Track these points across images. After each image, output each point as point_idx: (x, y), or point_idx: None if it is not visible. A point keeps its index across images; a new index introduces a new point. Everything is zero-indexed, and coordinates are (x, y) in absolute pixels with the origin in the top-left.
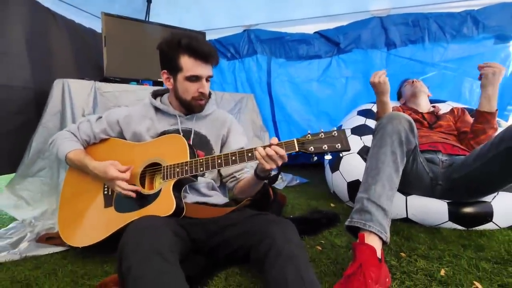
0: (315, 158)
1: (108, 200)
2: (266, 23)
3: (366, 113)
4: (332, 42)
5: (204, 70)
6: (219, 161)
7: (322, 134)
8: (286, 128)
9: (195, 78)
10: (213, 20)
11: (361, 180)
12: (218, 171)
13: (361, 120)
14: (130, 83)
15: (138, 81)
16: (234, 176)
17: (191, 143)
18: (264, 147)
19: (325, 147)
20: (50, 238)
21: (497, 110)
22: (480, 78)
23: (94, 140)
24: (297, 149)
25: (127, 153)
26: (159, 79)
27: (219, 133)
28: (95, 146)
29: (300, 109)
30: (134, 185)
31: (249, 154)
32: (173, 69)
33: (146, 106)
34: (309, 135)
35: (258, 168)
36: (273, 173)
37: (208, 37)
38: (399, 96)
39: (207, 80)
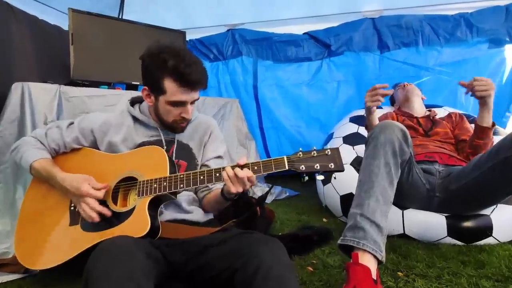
0: (306, 177)
1: (74, 218)
2: (252, 23)
3: (359, 120)
4: (323, 43)
5: (189, 96)
6: (202, 177)
7: (314, 152)
8: (274, 136)
9: (178, 104)
10: (194, 18)
11: (354, 193)
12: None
13: (353, 128)
14: (100, 87)
15: (110, 85)
16: (207, 186)
17: (173, 155)
18: (233, 167)
19: (317, 166)
20: (3, 265)
21: (493, 122)
22: (468, 93)
23: (63, 150)
24: (286, 167)
25: (100, 165)
26: (133, 82)
27: (201, 140)
28: (65, 156)
29: (289, 114)
30: (105, 201)
31: (217, 174)
32: (155, 89)
33: (123, 114)
34: (300, 153)
35: (225, 188)
36: (258, 191)
37: (188, 37)
38: (392, 101)
39: (192, 103)
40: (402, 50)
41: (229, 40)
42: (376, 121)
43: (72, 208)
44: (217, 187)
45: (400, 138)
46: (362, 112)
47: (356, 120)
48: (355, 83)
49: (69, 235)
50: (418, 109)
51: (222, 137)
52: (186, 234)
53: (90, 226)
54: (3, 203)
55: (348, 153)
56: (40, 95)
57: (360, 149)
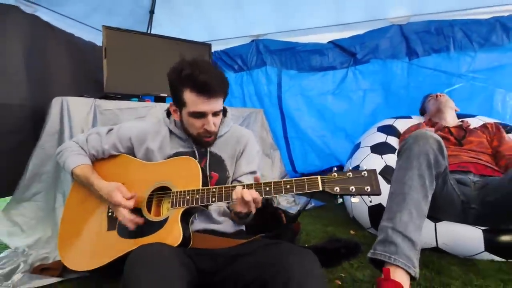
0: (341, 200)
1: (111, 223)
2: (276, 33)
3: (387, 130)
4: (348, 52)
5: (208, 106)
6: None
7: (350, 173)
8: (299, 146)
9: (199, 115)
10: (218, 30)
11: (384, 204)
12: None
13: (381, 137)
14: (131, 100)
15: (139, 97)
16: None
17: (207, 166)
18: (243, 187)
19: (352, 189)
20: (45, 269)
21: None
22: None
23: (102, 156)
24: (321, 188)
25: (136, 173)
26: (161, 94)
27: (234, 152)
28: (103, 162)
29: (314, 124)
30: (140, 209)
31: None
32: (178, 102)
33: (160, 123)
34: (334, 173)
35: (230, 206)
36: (283, 201)
37: (214, 48)
38: (422, 112)
39: (215, 114)
40: (432, 56)
41: (253, 51)
42: None
43: (110, 213)
44: None
45: (435, 149)
46: (390, 121)
47: (384, 129)
48: (382, 92)
49: (106, 240)
50: (450, 121)
51: (258, 149)
52: (215, 245)
53: (126, 233)
54: (45, 210)
55: (377, 162)
56: (77, 108)
57: (389, 158)
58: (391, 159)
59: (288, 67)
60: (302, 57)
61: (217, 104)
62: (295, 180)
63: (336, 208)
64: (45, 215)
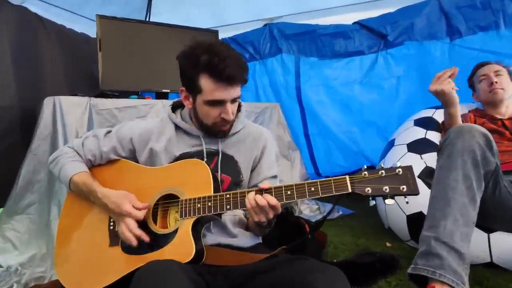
0: (373, 202)
1: (114, 237)
2: (292, 15)
3: (426, 123)
4: (377, 33)
5: (227, 93)
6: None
7: (382, 171)
8: (322, 144)
9: (217, 103)
10: (226, 14)
11: (425, 212)
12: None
13: (419, 133)
14: (130, 97)
15: (139, 94)
16: None
17: (218, 167)
18: (257, 192)
19: (386, 189)
20: None
21: None
22: None
23: (99, 161)
24: (350, 190)
25: (138, 180)
26: (163, 90)
27: (250, 154)
28: (100, 169)
29: (340, 119)
30: (146, 221)
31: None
32: (192, 89)
33: (164, 121)
34: (365, 172)
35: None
36: (305, 209)
37: (221, 35)
38: (470, 84)
39: (233, 101)
40: (478, 35)
41: (266, 37)
42: (459, 117)
43: (112, 227)
44: None
45: (482, 144)
46: (429, 112)
47: (423, 123)
48: (419, 79)
49: (109, 256)
50: (504, 111)
51: (277, 149)
52: (231, 261)
53: (131, 248)
54: (38, 224)
55: (415, 163)
56: (71, 109)
57: (430, 158)
58: (432, 159)
59: (308, 53)
60: (323, 42)
61: (237, 90)
62: (320, 181)
63: (368, 217)
64: (39, 229)
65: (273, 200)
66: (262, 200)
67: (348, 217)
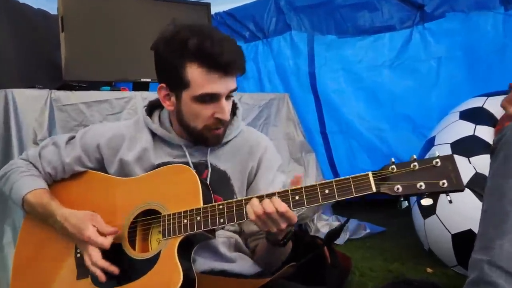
0: (405, 203)
1: (82, 268)
2: None
3: (475, 115)
4: (411, 3)
5: (223, 85)
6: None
7: (415, 163)
8: (343, 144)
9: (209, 98)
10: None
11: (474, 230)
12: (239, 223)
13: (467, 128)
14: (101, 89)
15: (112, 85)
16: (261, 233)
17: (208, 179)
18: (261, 198)
19: (421, 186)
20: None
21: None
22: None
23: (62, 175)
24: (374, 189)
25: (110, 194)
26: (142, 79)
27: (245, 165)
28: (63, 184)
29: (365, 112)
30: (120, 243)
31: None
32: (176, 83)
33: (139, 123)
34: (393, 166)
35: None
36: (323, 226)
37: (214, 9)
38: None
39: (228, 97)
40: None
41: (271, 10)
42: None
43: (79, 255)
44: None
45: None
46: (480, 102)
47: (470, 115)
48: (465, 59)
49: None
50: None
51: (280, 162)
52: None
53: (102, 281)
54: None
55: (461, 169)
56: (27, 105)
57: (481, 162)
58: (483, 163)
59: (324, 30)
60: (343, 15)
61: (233, 82)
62: (336, 181)
63: (403, 236)
64: None
65: (282, 205)
66: (269, 205)
67: (377, 236)
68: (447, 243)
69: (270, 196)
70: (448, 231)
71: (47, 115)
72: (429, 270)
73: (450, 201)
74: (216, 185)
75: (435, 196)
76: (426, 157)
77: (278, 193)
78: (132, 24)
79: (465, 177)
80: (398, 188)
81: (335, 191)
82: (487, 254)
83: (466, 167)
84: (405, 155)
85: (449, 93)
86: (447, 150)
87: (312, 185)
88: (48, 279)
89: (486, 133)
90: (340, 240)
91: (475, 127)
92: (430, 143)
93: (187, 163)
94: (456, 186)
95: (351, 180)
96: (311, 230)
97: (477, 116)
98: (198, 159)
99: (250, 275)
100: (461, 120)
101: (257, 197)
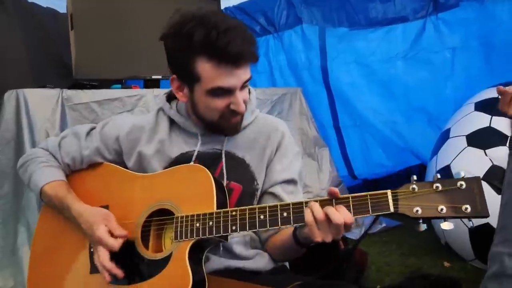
0: (424, 226)
1: (95, 264)
2: None
3: (491, 107)
4: None
5: (235, 78)
6: (262, 216)
7: (437, 185)
8: (358, 138)
9: (222, 92)
10: None
11: (492, 224)
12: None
13: (483, 120)
14: (111, 87)
15: (123, 83)
16: None
17: (223, 174)
18: (322, 203)
19: (442, 210)
20: None
21: None
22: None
23: (80, 166)
24: (391, 210)
25: (125, 190)
26: (153, 77)
27: (263, 152)
28: (80, 175)
29: (379, 105)
30: (133, 242)
31: (284, 215)
32: (187, 77)
33: (158, 115)
34: (414, 186)
35: (303, 232)
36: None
37: (224, 4)
38: None
39: (243, 87)
40: None
41: (281, 3)
42: None
43: (92, 250)
44: None
45: None
46: (494, 92)
47: (486, 106)
48: (481, 50)
49: (90, 285)
50: None
51: (297, 150)
52: None
53: (115, 277)
54: (2, 250)
55: (478, 161)
56: (38, 104)
57: (497, 154)
58: (500, 155)
59: (335, 23)
60: (354, 7)
61: (245, 72)
62: (352, 197)
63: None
64: (3, 256)
65: (350, 217)
66: (338, 216)
67: (394, 230)
68: (464, 237)
69: (331, 201)
70: (465, 225)
71: (58, 115)
72: (446, 264)
73: (472, 225)
74: (234, 172)
75: (456, 219)
76: (452, 177)
77: (340, 199)
78: (141, 20)
79: (482, 170)
80: (417, 210)
81: (351, 209)
82: (509, 247)
83: (483, 160)
84: (421, 149)
85: (465, 84)
86: (462, 142)
87: (325, 200)
88: (63, 271)
89: (502, 124)
90: (355, 235)
91: (491, 118)
92: (445, 135)
93: (202, 153)
94: (480, 213)
95: (368, 197)
96: None
97: (493, 107)
98: (213, 147)
99: (265, 271)
100: (476, 112)
101: (319, 200)
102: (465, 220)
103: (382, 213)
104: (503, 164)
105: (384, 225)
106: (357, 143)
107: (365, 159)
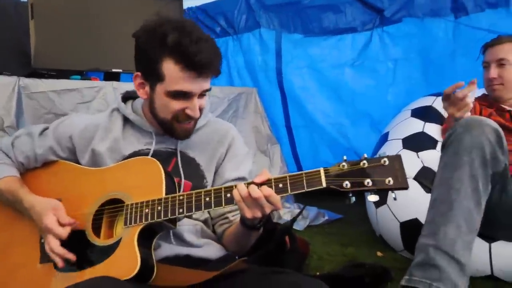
0: (353, 198)
1: (45, 253)
2: None
3: (424, 113)
4: (373, 8)
5: (197, 85)
6: (208, 199)
7: (364, 161)
8: (307, 138)
9: (182, 95)
10: None
11: (420, 220)
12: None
13: (417, 125)
14: (71, 78)
15: (83, 74)
16: (226, 217)
17: (180, 170)
18: (248, 184)
19: (368, 183)
20: None
21: None
22: None
23: (34, 164)
24: (324, 185)
25: (78, 183)
26: (113, 70)
27: (214, 153)
28: (34, 173)
29: (328, 108)
30: (84, 231)
31: (228, 195)
32: (151, 75)
33: (113, 114)
34: (344, 163)
35: (241, 213)
36: (286, 213)
37: (186, 4)
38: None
39: (201, 95)
40: (486, 13)
41: (242, 7)
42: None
43: (43, 240)
44: (238, 218)
45: (493, 141)
46: (429, 101)
47: (421, 113)
48: (420, 62)
49: (39, 275)
50: None
51: (247, 150)
52: (186, 280)
53: (68, 263)
54: None
55: (410, 162)
56: None
57: (428, 156)
58: (430, 157)
59: (291, 29)
60: (309, 16)
61: (206, 82)
62: (289, 176)
63: (359, 223)
64: None
65: (269, 191)
66: (257, 191)
67: (335, 223)
68: (395, 230)
69: (257, 185)
70: (397, 219)
71: (14, 102)
72: (379, 254)
73: (395, 198)
74: (186, 170)
75: (381, 193)
76: (376, 156)
77: (235, 186)
78: (104, 14)
79: (414, 170)
80: (346, 184)
81: (288, 186)
82: (433, 239)
83: (415, 161)
84: (363, 149)
85: (405, 92)
86: (398, 145)
87: (267, 179)
88: (13, 262)
89: (433, 130)
90: (299, 226)
91: (424, 124)
92: (384, 138)
93: (157, 151)
94: (401, 184)
95: (303, 175)
96: (273, 217)
97: (427, 114)
98: (167, 146)
99: (215, 259)
100: (412, 118)
101: (246, 183)
102: (397, 214)
103: (316, 188)
104: (433, 165)
105: (326, 218)
106: (306, 142)
107: (313, 157)
